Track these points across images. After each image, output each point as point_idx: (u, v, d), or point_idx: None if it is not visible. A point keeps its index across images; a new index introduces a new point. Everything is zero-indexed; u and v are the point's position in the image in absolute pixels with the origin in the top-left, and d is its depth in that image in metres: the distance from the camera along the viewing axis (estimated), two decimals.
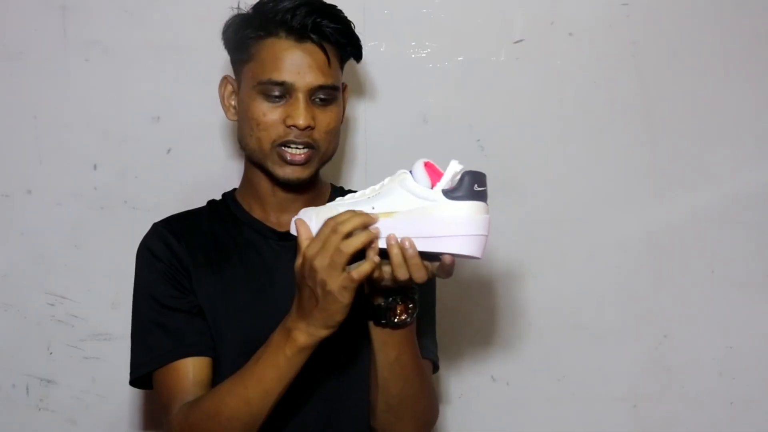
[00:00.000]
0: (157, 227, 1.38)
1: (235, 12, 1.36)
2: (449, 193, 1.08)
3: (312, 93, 1.29)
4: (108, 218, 1.75)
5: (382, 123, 1.76)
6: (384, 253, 1.11)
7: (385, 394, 1.26)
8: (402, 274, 1.11)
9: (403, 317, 1.20)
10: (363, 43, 1.39)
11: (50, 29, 1.71)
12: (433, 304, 1.41)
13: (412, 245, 1.09)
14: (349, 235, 1.09)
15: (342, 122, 1.37)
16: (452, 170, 1.09)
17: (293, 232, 1.16)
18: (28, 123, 1.73)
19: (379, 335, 1.22)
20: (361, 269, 1.09)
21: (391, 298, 1.19)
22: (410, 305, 1.20)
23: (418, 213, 1.09)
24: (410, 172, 1.12)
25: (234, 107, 1.37)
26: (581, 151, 1.79)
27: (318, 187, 1.41)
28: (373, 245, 1.10)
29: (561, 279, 1.80)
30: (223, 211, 1.41)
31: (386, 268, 1.12)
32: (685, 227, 1.80)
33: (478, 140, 1.76)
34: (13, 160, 1.74)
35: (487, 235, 1.09)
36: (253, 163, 1.35)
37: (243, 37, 1.32)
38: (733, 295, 1.81)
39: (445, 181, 1.09)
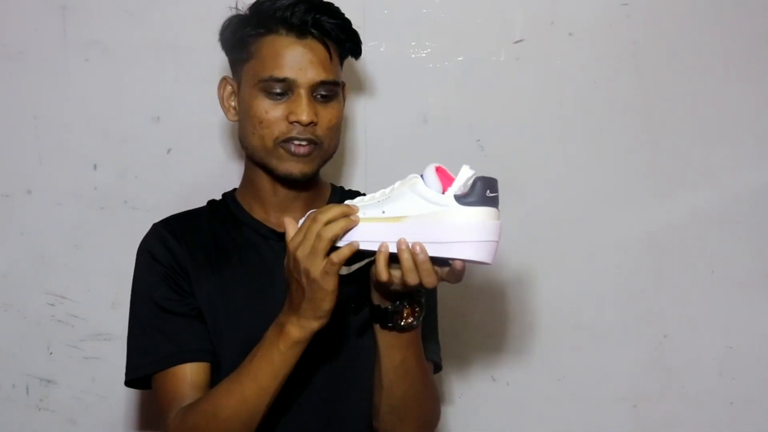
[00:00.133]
0: (157, 228, 1.38)
1: (233, 12, 1.36)
2: (461, 199, 1.08)
3: (314, 89, 1.29)
4: (108, 218, 1.74)
5: (382, 123, 1.76)
6: (393, 258, 1.11)
7: (388, 395, 1.26)
8: (412, 279, 1.10)
9: (410, 320, 1.20)
10: (363, 43, 1.39)
11: (50, 29, 1.71)
12: (435, 305, 1.41)
13: (423, 250, 1.09)
14: (329, 224, 1.10)
15: (342, 120, 1.37)
16: (464, 175, 1.09)
17: None
18: (28, 123, 1.73)
19: (385, 338, 1.22)
20: (340, 252, 1.10)
21: (398, 302, 1.19)
22: (417, 308, 1.21)
23: (429, 218, 1.09)
24: (421, 176, 1.11)
25: (234, 108, 1.37)
26: (581, 151, 1.79)
27: (318, 186, 1.41)
28: (382, 248, 1.10)
29: (561, 279, 1.80)
30: (224, 212, 1.41)
31: (396, 273, 1.12)
32: (685, 227, 1.80)
33: (478, 140, 1.76)
34: (13, 160, 1.74)
35: (498, 241, 1.09)
36: (255, 162, 1.35)
37: (242, 36, 1.32)
38: (733, 295, 1.81)
39: (457, 186, 1.09)
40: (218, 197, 1.45)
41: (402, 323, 1.20)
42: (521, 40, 1.75)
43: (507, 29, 1.75)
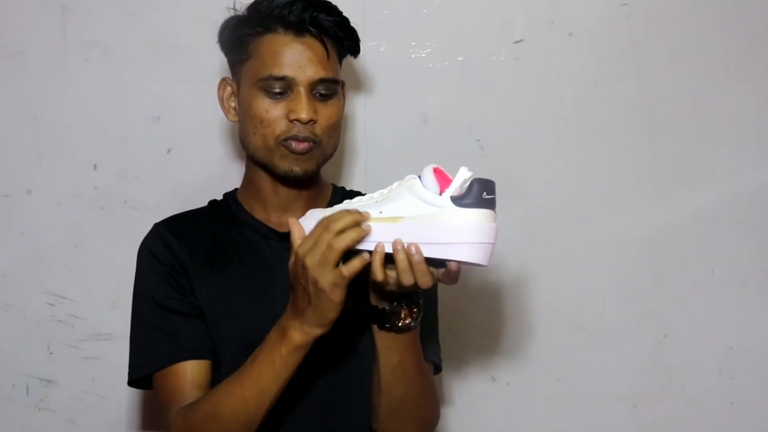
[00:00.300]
0: (158, 227, 1.38)
1: (231, 12, 1.36)
2: (458, 200, 1.08)
3: (313, 87, 1.29)
4: (108, 218, 1.74)
5: (382, 123, 1.76)
6: (390, 258, 1.10)
7: (387, 396, 1.26)
8: (407, 280, 1.10)
9: (408, 321, 1.20)
10: (363, 43, 1.39)
11: (50, 29, 1.71)
12: (435, 306, 1.41)
13: (419, 251, 1.09)
14: (341, 234, 1.09)
15: (342, 119, 1.37)
16: (461, 177, 1.09)
17: None
18: (28, 123, 1.73)
19: (383, 339, 1.22)
20: (351, 265, 1.09)
21: (395, 303, 1.19)
22: (414, 309, 1.20)
23: (425, 219, 1.09)
24: (419, 177, 1.11)
25: (234, 108, 1.37)
26: (581, 151, 1.79)
27: (319, 186, 1.41)
28: (378, 249, 1.10)
29: (561, 279, 1.80)
30: (224, 212, 1.41)
31: (391, 273, 1.12)
32: (685, 227, 1.80)
33: (478, 140, 1.76)
34: (13, 160, 1.74)
35: (494, 243, 1.09)
36: (256, 162, 1.35)
37: (241, 35, 1.32)
38: (733, 295, 1.81)
39: (454, 188, 1.09)
40: (218, 197, 1.45)
41: (400, 324, 1.20)
42: (521, 40, 1.75)
43: (507, 29, 1.75)
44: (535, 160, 1.78)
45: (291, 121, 1.28)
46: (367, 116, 1.75)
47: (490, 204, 1.09)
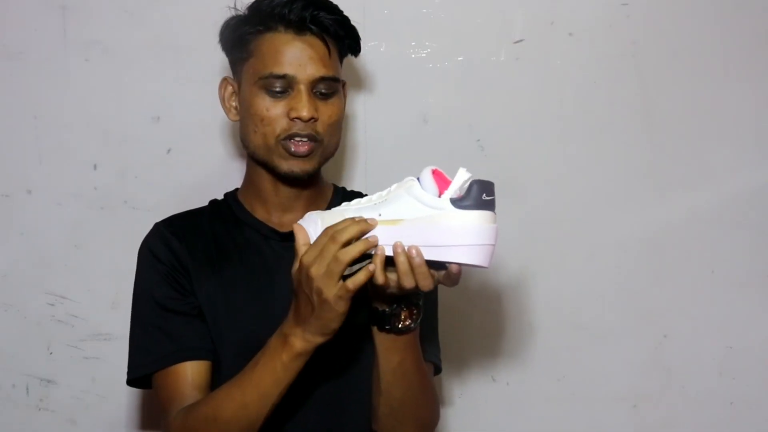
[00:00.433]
0: (158, 227, 1.38)
1: (232, 12, 1.36)
2: (457, 202, 1.07)
3: (314, 85, 1.29)
4: (108, 218, 1.74)
5: (382, 123, 1.76)
6: (390, 260, 1.10)
7: (387, 398, 1.26)
8: (408, 283, 1.10)
9: (408, 323, 1.20)
10: (363, 43, 1.39)
11: (50, 29, 1.71)
12: (435, 307, 1.41)
13: (419, 254, 1.08)
14: (347, 245, 1.08)
15: (343, 118, 1.37)
16: (461, 178, 1.08)
17: None
18: (28, 123, 1.73)
19: (382, 341, 1.22)
20: (356, 279, 1.09)
21: (395, 305, 1.19)
22: (414, 311, 1.20)
23: (425, 221, 1.08)
24: (417, 179, 1.11)
25: (235, 108, 1.37)
26: (581, 151, 1.79)
27: (320, 186, 1.41)
28: (378, 252, 1.10)
29: (561, 279, 1.80)
30: (225, 211, 1.41)
31: (392, 276, 1.11)
32: (685, 227, 1.80)
33: (478, 140, 1.76)
34: (13, 160, 1.74)
35: (494, 245, 1.09)
36: (257, 161, 1.35)
37: (241, 34, 1.32)
38: (733, 295, 1.81)
39: (453, 190, 1.08)
40: (218, 197, 1.45)
41: (399, 326, 1.20)
42: (521, 40, 1.75)
43: (507, 29, 1.75)
44: (535, 160, 1.78)
45: (292, 119, 1.28)
46: (367, 116, 1.75)
47: (489, 205, 1.08)
